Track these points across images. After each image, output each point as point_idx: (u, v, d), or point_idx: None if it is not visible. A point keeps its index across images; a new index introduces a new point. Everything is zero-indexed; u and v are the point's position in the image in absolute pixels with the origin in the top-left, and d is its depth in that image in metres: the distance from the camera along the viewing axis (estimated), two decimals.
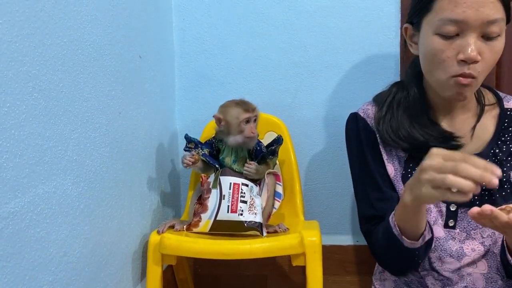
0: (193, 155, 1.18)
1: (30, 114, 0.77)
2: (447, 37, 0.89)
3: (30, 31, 0.77)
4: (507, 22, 0.90)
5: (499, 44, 0.90)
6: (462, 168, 0.72)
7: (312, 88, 1.48)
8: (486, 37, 0.88)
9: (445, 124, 1.01)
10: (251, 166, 1.17)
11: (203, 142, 1.25)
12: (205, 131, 1.41)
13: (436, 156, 0.76)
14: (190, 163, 1.17)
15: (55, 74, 0.84)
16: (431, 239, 0.97)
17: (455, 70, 0.89)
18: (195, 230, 1.15)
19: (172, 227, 1.17)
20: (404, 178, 1.02)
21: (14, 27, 0.73)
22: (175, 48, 1.50)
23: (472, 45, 0.87)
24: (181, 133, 1.51)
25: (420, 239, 0.92)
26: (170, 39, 1.48)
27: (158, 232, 1.14)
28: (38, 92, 0.79)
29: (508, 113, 1.02)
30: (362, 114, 1.07)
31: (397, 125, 1.00)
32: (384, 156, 1.04)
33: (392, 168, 1.04)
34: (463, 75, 0.89)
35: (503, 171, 0.96)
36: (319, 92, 1.47)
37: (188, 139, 1.22)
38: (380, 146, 1.04)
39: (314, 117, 1.48)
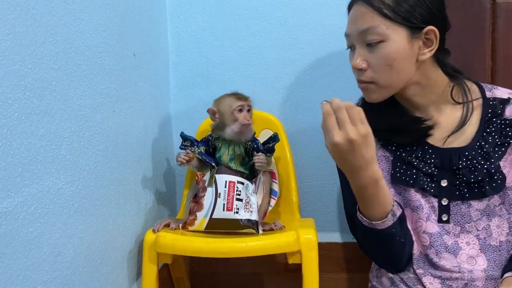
0: (187, 153, 1.18)
1: (22, 112, 0.76)
2: (350, 49, 1.02)
3: (22, 29, 0.76)
4: (401, 21, 0.94)
5: (386, 48, 0.95)
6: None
7: (307, 85, 1.48)
8: (369, 45, 0.97)
9: (428, 120, 1.03)
10: (261, 157, 1.17)
11: (198, 140, 1.24)
12: (200, 129, 1.41)
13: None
14: (184, 161, 1.17)
15: (47, 73, 0.83)
16: (403, 215, 0.99)
17: (355, 78, 1.02)
18: (190, 228, 1.15)
19: (167, 225, 1.17)
20: (394, 178, 1.03)
21: (5, 25, 0.72)
22: (169, 46, 1.50)
23: (355, 55, 0.99)
24: (176, 131, 1.50)
25: (389, 215, 0.95)
26: (165, 36, 1.47)
27: (154, 231, 1.14)
28: (30, 90, 0.78)
29: (491, 103, 1.02)
30: None
31: (379, 115, 1.04)
32: None
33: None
34: (358, 81, 1.02)
35: (490, 162, 0.97)
36: (315, 89, 1.47)
37: (184, 137, 1.22)
38: None
39: (310, 114, 1.48)
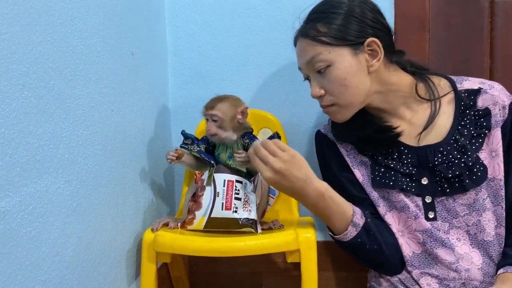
0: (176, 150, 1.18)
1: (20, 112, 0.76)
2: (307, 80, 1.08)
3: (19, 28, 0.76)
4: (339, 43, 0.99)
5: (334, 71, 1.00)
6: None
7: (306, 84, 1.47)
8: (319, 72, 1.01)
9: (401, 122, 1.05)
10: (241, 155, 1.13)
11: (199, 138, 1.24)
12: (199, 128, 1.40)
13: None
14: (174, 158, 1.17)
15: (45, 72, 0.83)
16: (367, 223, 1.01)
17: (319, 104, 1.06)
18: (189, 227, 1.15)
19: (166, 224, 1.17)
20: (374, 182, 1.04)
21: (2, 24, 0.72)
22: (168, 45, 1.49)
23: (312, 85, 1.04)
24: (175, 130, 1.50)
25: (349, 226, 0.99)
26: (163, 35, 1.47)
27: (152, 230, 1.14)
28: (28, 90, 0.78)
29: (463, 95, 1.02)
30: (323, 131, 1.17)
31: (346, 128, 1.08)
32: (349, 163, 1.10)
33: (359, 173, 1.07)
34: (321, 107, 1.06)
35: (467, 156, 0.98)
36: None
37: (185, 135, 1.22)
38: (344, 155, 1.11)
39: (309, 113, 1.48)
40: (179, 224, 1.16)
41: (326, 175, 1.15)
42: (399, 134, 1.03)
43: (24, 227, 0.77)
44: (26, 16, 0.77)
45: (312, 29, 1.01)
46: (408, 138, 1.03)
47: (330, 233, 1.03)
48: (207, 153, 1.21)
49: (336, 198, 0.98)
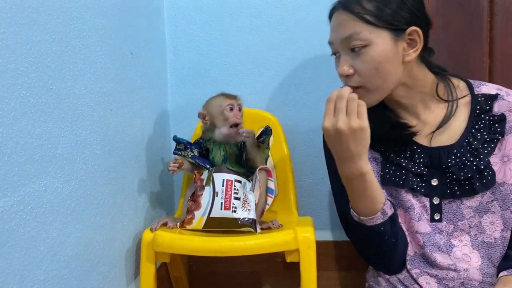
0: (176, 160, 1.17)
1: (19, 111, 0.76)
2: (335, 55, 1.02)
3: (18, 27, 0.76)
4: (384, 26, 0.95)
5: (371, 52, 0.95)
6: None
7: (305, 84, 1.47)
8: (353, 50, 0.96)
9: (416, 121, 1.04)
10: (248, 130, 1.16)
11: (192, 142, 1.24)
12: (198, 128, 1.40)
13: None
14: (175, 168, 1.16)
15: (44, 71, 0.83)
16: (395, 215, 0.99)
17: (344, 85, 1.00)
18: (188, 227, 1.14)
19: (165, 224, 1.17)
20: (384, 179, 1.03)
21: (1, 23, 0.72)
22: (167, 45, 1.49)
23: (341, 62, 0.98)
24: (174, 129, 1.50)
25: (379, 213, 0.96)
26: (162, 35, 1.47)
27: (151, 230, 1.14)
28: (27, 89, 0.78)
29: (479, 99, 1.02)
30: None
31: None
32: None
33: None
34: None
35: (480, 159, 0.97)
36: (312, 88, 1.47)
37: (177, 141, 1.21)
38: None
39: (308, 113, 1.48)
40: (178, 223, 1.16)
41: (333, 165, 1.13)
42: (414, 133, 1.02)
43: (23, 227, 0.77)
44: (25, 16, 0.77)
45: (357, 4, 0.96)
46: (421, 137, 1.03)
47: (352, 211, 1.00)
48: (201, 158, 1.21)
49: (374, 184, 0.95)
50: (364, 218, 0.97)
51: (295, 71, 1.47)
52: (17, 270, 0.76)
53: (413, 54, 0.97)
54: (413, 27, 0.95)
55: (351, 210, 1.00)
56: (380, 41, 0.95)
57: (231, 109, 1.19)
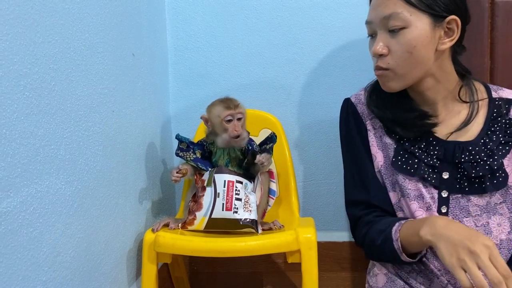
0: (179, 169, 1.15)
1: (21, 113, 0.76)
2: (371, 36, 1.02)
3: (20, 29, 0.76)
4: (425, 9, 0.94)
5: (408, 35, 0.95)
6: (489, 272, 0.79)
7: (306, 85, 1.48)
8: (391, 31, 0.96)
9: (435, 119, 1.03)
10: (263, 156, 1.13)
11: (195, 141, 1.23)
12: (199, 129, 1.40)
13: (487, 249, 0.81)
14: (179, 178, 1.15)
15: (46, 73, 0.83)
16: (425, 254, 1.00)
17: (373, 64, 1.01)
18: (190, 228, 1.15)
19: (166, 225, 1.17)
20: (394, 164, 1.03)
21: (3, 25, 0.72)
22: (168, 46, 1.49)
23: (377, 40, 0.98)
24: (176, 130, 1.50)
25: (418, 257, 0.98)
26: (164, 36, 1.47)
27: (153, 231, 1.14)
28: (29, 90, 0.78)
29: (497, 103, 1.03)
30: (353, 100, 1.12)
31: (386, 103, 1.05)
32: (374, 143, 1.07)
33: (381, 155, 1.06)
34: (376, 68, 1.00)
35: (493, 159, 0.98)
36: (314, 89, 1.47)
37: (180, 140, 1.20)
38: (370, 133, 1.08)
39: (309, 114, 1.48)
40: (179, 224, 1.16)
41: (346, 146, 1.13)
42: (436, 124, 1.02)
43: (25, 228, 0.77)
44: (27, 17, 0.78)
45: None
46: (437, 133, 1.03)
47: (399, 248, 0.97)
48: (203, 160, 1.20)
49: None
50: (405, 255, 0.97)
51: (296, 72, 1.47)
52: (19, 270, 0.76)
53: (448, 43, 0.97)
54: (453, 16, 0.95)
55: (398, 238, 0.97)
56: (419, 25, 0.94)
57: (230, 121, 1.15)
